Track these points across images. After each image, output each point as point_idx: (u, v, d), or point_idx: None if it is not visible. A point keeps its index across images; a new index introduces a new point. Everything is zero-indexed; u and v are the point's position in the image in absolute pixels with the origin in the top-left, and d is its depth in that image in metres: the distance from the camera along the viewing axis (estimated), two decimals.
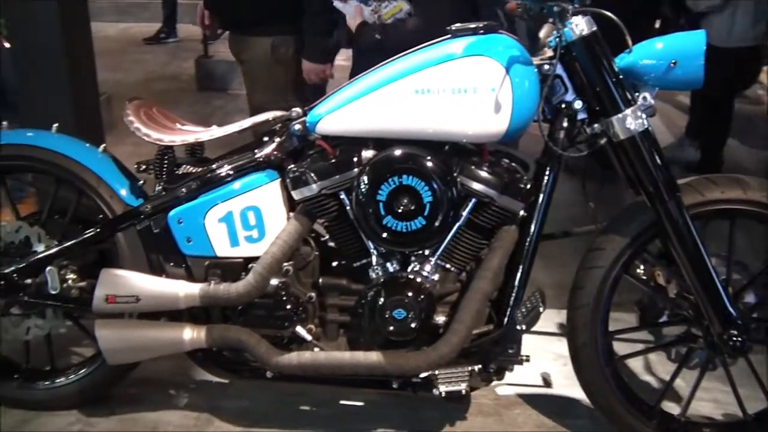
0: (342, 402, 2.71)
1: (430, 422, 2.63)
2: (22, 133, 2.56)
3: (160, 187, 2.39)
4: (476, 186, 2.15)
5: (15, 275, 2.46)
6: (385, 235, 2.15)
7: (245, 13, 3.37)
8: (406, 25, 3.03)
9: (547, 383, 2.84)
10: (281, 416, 2.61)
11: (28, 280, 2.47)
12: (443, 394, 2.22)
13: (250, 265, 2.27)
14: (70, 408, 2.62)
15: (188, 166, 2.43)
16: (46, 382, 2.61)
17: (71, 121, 2.96)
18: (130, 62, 7.64)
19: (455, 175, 2.15)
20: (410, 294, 2.20)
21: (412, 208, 2.12)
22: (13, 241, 2.52)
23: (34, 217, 2.61)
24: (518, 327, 2.24)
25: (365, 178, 2.13)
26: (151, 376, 2.79)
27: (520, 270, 2.27)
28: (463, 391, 2.22)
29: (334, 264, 2.40)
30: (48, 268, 2.44)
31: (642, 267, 2.38)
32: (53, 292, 2.45)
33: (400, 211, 2.12)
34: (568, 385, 2.74)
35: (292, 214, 2.29)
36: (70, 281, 2.47)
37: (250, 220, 2.29)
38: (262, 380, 2.41)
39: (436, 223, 2.13)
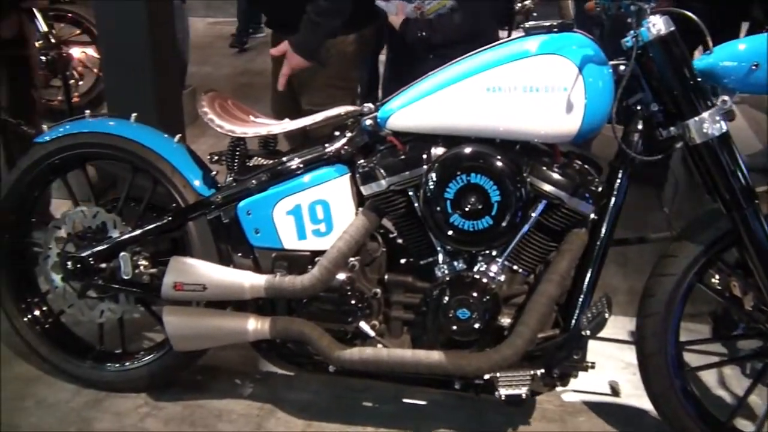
0: (405, 400, 2.69)
1: (493, 425, 2.59)
2: (103, 121, 2.63)
3: (231, 178, 2.41)
4: (547, 187, 2.10)
5: (91, 259, 2.52)
6: (451, 233, 2.12)
7: (289, 13, 3.22)
8: (449, 20, 3.02)
9: (615, 392, 2.76)
10: (343, 411, 2.60)
11: (103, 265, 2.53)
12: (503, 397, 2.18)
13: (316, 259, 2.28)
14: (139, 391, 2.67)
15: (259, 158, 2.44)
16: (117, 365, 2.68)
17: (152, 111, 3.01)
18: (218, 56, 7.76)
19: (525, 175, 2.11)
20: (475, 294, 2.16)
21: (480, 207, 2.09)
22: (90, 226, 2.59)
23: (111, 203, 2.69)
24: (583, 332, 2.17)
25: (433, 175, 2.11)
26: (217, 365, 2.83)
27: (589, 274, 2.23)
28: (524, 395, 2.18)
29: (401, 261, 2.39)
30: (122, 253, 2.49)
31: (717, 276, 2.30)
32: (126, 278, 2.50)
33: (467, 209, 2.09)
34: (636, 395, 2.66)
35: (360, 209, 2.28)
36: (141, 267, 2.51)
37: (318, 213, 2.29)
38: (325, 374, 2.42)
39: (504, 224, 2.10)
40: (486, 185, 2.07)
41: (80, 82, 5.19)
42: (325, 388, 2.72)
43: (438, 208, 2.11)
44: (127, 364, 2.67)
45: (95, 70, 5.14)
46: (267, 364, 2.64)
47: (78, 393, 2.69)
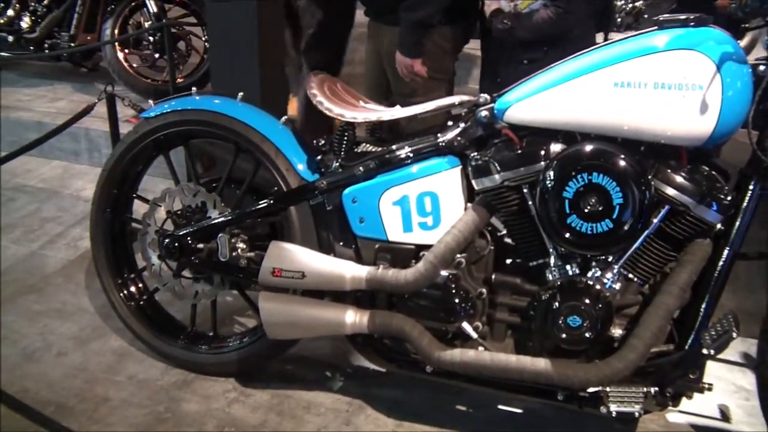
0: (500, 407, 2.58)
1: None
2: (209, 99, 2.58)
3: (338, 164, 2.34)
4: (672, 192, 1.97)
5: (189, 238, 2.49)
6: (567, 235, 2.00)
7: (384, 2, 3.15)
8: (540, 15, 2.95)
9: (726, 417, 2.58)
10: (434, 413, 2.52)
11: (200, 245, 2.50)
12: (614, 414, 2.05)
13: (421, 253, 2.19)
14: (228, 375, 2.66)
15: (367, 145, 2.36)
16: (208, 347, 2.68)
17: (256, 92, 2.96)
18: None
19: (650, 178, 1.97)
20: (588, 301, 2.04)
21: (600, 209, 1.96)
22: (190, 205, 2.57)
23: (213, 183, 2.65)
24: (705, 351, 2.02)
25: (552, 173, 1.99)
26: (308, 355, 2.78)
27: (710, 288, 2.07)
28: (637, 414, 2.04)
29: (508, 261, 2.28)
30: (220, 235, 2.46)
31: None
32: (222, 260, 2.46)
33: (586, 211, 1.97)
34: (749, 423, 2.49)
35: (470, 204, 2.19)
36: (239, 250, 2.47)
37: (426, 206, 2.20)
38: (421, 374, 2.33)
39: (624, 228, 1.96)
40: (608, 186, 1.94)
41: (183, 65, 5.25)
42: (418, 387, 2.62)
43: (555, 208, 2.00)
44: (218, 347, 2.66)
45: (200, 53, 5.19)
46: (358, 358, 2.57)
47: (167, 372, 2.71)
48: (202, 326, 2.76)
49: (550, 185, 1.99)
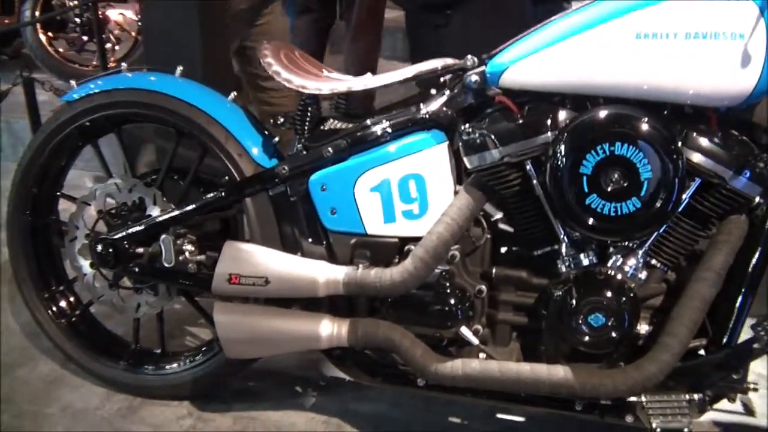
0: (499, 416, 2.29)
1: None
2: (143, 76, 2.23)
3: (301, 145, 2.00)
4: (705, 162, 1.69)
5: (125, 242, 2.15)
6: (586, 218, 1.70)
7: None
8: None
9: (749, 410, 2.31)
10: (426, 429, 2.25)
11: (140, 249, 2.16)
12: (657, 431, 1.72)
13: (407, 247, 1.90)
14: (182, 399, 2.34)
15: (336, 122, 2.03)
16: (156, 367, 2.36)
17: (198, 66, 2.56)
18: None
19: (680, 146, 1.67)
20: (610, 295, 1.75)
21: (626, 185, 1.66)
22: (126, 203, 2.21)
23: (151, 176, 2.32)
24: (756, 346, 1.74)
25: (564, 146, 1.68)
26: (274, 369, 2.45)
27: (750, 272, 1.79)
28: (686, 430, 1.72)
29: (503, 250, 1.96)
30: (163, 236, 2.12)
31: None
32: (167, 266, 2.13)
33: (609, 189, 1.67)
34: None
35: (461, 186, 1.87)
36: (186, 253, 2.14)
37: (411, 190, 1.88)
38: (411, 388, 2.02)
39: (655, 207, 1.67)
40: (635, 158, 1.65)
41: (117, 47, 4.93)
42: (404, 399, 2.33)
43: (570, 187, 1.70)
44: (168, 366, 2.34)
45: (133, 34, 4.87)
46: (333, 368, 2.22)
47: (109, 399, 2.37)
48: (147, 343, 2.43)
49: (562, 160, 1.69)
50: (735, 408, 2.29)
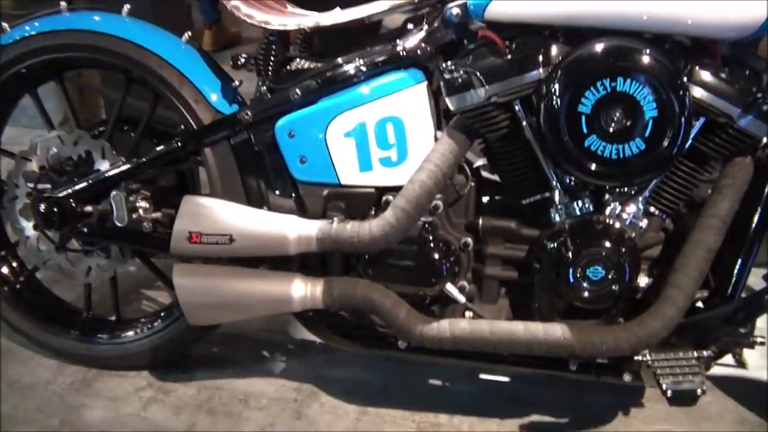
0: (482, 376, 2.16)
1: (598, 408, 2.05)
2: (85, 16, 2.01)
3: (265, 88, 1.82)
4: (711, 99, 1.56)
5: (72, 200, 1.96)
6: (587, 161, 1.56)
7: None
8: None
9: (740, 362, 2.18)
10: (404, 392, 2.11)
11: (88, 208, 1.98)
12: (669, 394, 1.60)
13: (385, 198, 1.74)
14: (140, 368, 2.21)
15: (303, 61, 1.85)
16: (111, 336, 2.21)
17: (148, 2, 2.36)
18: None
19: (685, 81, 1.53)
20: (609, 245, 1.63)
21: (629, 124, 1.52)
22: (70, 156, 2.02)
23: (99, 127, 2.13)
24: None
25: (561, 82, 1.53)
26: (240, 333, 2.32)
27: (757, 218, 1.68)
28: (700, 391, 1.59)
29: (488, 199, 1.83)
30: (113, 192, 1.94)
31: None
32: (119, 225, 1.95)
33: (611, 129, 1.52)
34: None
35: (443, 130, 1.71)
36: (140, 211, 1.97)
37: (388, 135, 1.72)
38: (392, 351, 1.88)
39: (661, 148, 1.53)
40: (638, 94, 1.51)
41: None
42: (379, 362, 2.19)
43: (567, 128, 1.55)
44: (124, 334, 2.19)
45: None
46: (302, 330, 2.10)
47: (61, 372, 2.22)
48: (100, 309, 2.27)
49: (558, 99, 1.54)
50: (725, 360, 2.19)
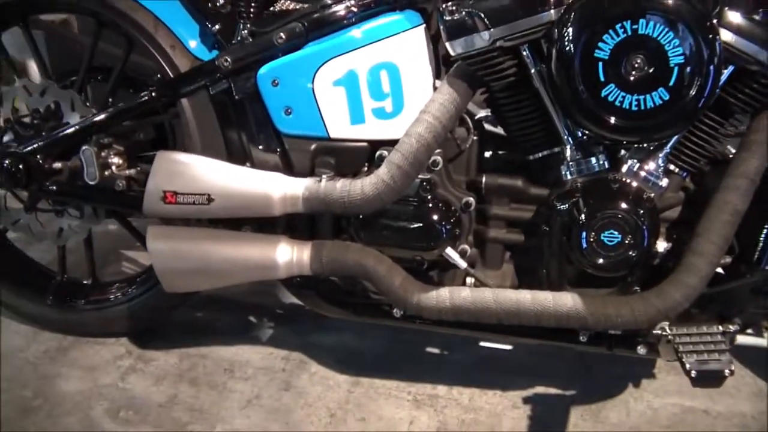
0: (483, 344, 2.05)
1: (605, 378, 1.94)
2: None
3: (247, 32, 1.65)
4: (742, 44, 1.40)
5: (39, 156, 1.82)
6: (604, 114, 1.40)
7: None
8: None
9: (759, 331, 2.05)
10: (400, 362, 2.00)
11: (58, 164, 1.84)
12: (693, 375, 1.45)
13: (379, 153, 1.60)
14: (118, 335, 2.11)
15: (288, 2, 1.70)
16: (87, 301, 2.10)
17: None
18: None
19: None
20: (627, 207, 1.48)
21: (651, 72, 1.36)
22: (38, 109, 1.88)
23: (69, 77, 1.97)
24: None
25: (575, 24, 1.36)
26: (225, 297, 2.22)
27: None
28: (727, 372, 1.45)
29: (491, 155, 1.68)
30: (83, 147, 1.80)
31: None
32: (91, 183, 1.82)
33: (631, 78, 1.36)
34: None
35: (443, 78, 1.55)
36: (113, 168, 1.83)
37: (383, 84, 1.57)
38: (387, 320, 1.75)
39: (686, 100, 1.37)
40: (663, 39, 1.34)
41: None
42: (372, 329, 2.08)
43: (583, 76, 1.38)
44: (101, 299, 2.08)
45: None
46: (291, 296, 1.96)
47: (35, 339, 2.12)
48: (76, 272, 2.13)
49: (572, 43, 1.37)
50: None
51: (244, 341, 2.07)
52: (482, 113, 1.67)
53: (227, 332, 2.11)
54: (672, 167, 1.54)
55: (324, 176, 1.58)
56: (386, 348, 2.04)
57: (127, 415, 1.83)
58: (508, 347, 2.02)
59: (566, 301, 1.50)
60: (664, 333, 1.49)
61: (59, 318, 2.08)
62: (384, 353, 2.03)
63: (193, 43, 1.72)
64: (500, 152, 1.67)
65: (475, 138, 1.64)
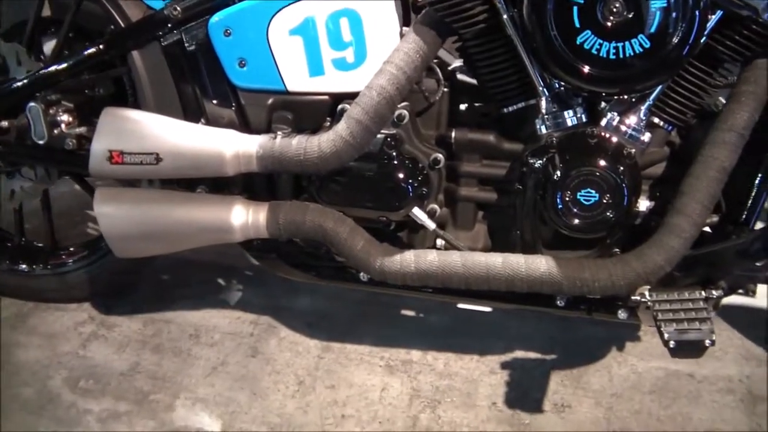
0: (461, 307, 1.98)
1: (589, 342, 1.88)
2: None
3: None
4: None
5: None
6: (579, 63, 1.30)
7: None
8: None
9: (747, 289, 1.97)
10: (373, 325, 1.94)
11: (4, 123, 1.75)
12: (672, 345, 1.36)
13: (340, 107, 1.51)
14: (80, 301, 2.04)
15: None
16: (46, 265, 2.01)
17: None
18: None
19: None
20: (605, 164, 1.39)
21: (630, 17, 1.25)
22: None
23: (14, 30, 1.87)
24: None
25: None
26: (189, 258, 2.07)
27: None
28: (708, 342, 1.36)
29: (464, 108, 1.58)
30: (30, 104, 1.71)
31: None
32: (39, 142, 1.73)
33: (609, 23, 1.26)
34: None
35: (410, 26, 1.45)
36: (62, 126, 1.74)
37: (343, 32, 1.47)
38: (353, 285, 1.68)
39: (668, 48, 1.27)
40: None
41: None
42: (345, 291, 1.98)
43: (556, 22, 1.29)
44: (60, 263, 2.00)
45: None
46: None
47: None
48: (33, 236, 2.05)
49: None
50: None
51: (211, 305, 2.01)
52: (456, 63, 1.57)
53: (194, 296, 2.04)
54: (656, 120, 1.43)
55: (279, 133, 1.48)
56: (359, 311, 1.98)
57: (87, 384, 1.77)
58: (487, 309, 1.95)
59: (540, 264, 1.41)
60: (643, 299, 1.40)
61: (16, 283, 2.00)
62: (356, 316, 1.96)
63: None
64: (473, 105, 1.57)
65: (445, 90, 1.54)
